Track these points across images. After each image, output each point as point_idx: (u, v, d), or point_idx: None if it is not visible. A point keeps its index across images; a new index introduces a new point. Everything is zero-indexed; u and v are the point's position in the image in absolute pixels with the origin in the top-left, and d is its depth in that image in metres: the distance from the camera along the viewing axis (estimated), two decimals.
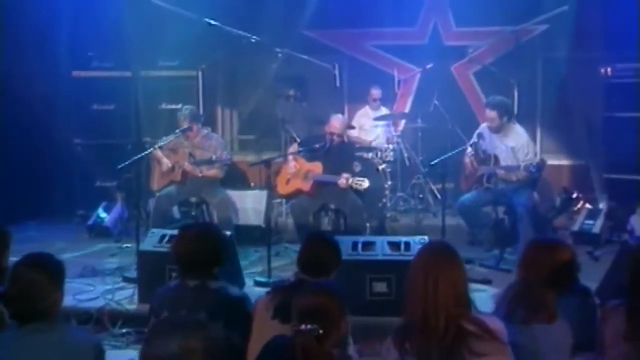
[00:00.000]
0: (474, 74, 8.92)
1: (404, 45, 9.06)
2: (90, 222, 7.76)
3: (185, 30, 7.64)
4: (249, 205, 7.48)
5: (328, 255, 3.37)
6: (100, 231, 7.69)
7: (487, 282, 5.79)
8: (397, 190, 7.98)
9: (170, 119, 7.48)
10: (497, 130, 6.46)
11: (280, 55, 7.57)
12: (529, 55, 8.73)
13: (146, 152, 6.26)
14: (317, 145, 6.46)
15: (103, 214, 7.76)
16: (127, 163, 6.04)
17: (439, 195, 7.68)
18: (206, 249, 3.33)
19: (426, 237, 5.47)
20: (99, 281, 6.08)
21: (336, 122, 6.59)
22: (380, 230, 7.25)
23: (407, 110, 8.97)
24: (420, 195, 8.03)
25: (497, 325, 2.75)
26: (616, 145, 7.48)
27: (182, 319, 2.31)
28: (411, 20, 9.00)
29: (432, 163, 6.03)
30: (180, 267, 3.35)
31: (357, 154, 7.58)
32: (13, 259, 6.19)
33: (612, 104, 7.60)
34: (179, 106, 7.41)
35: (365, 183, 6.16)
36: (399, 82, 8.34)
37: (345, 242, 5.38)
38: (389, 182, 7.77)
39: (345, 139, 6.86)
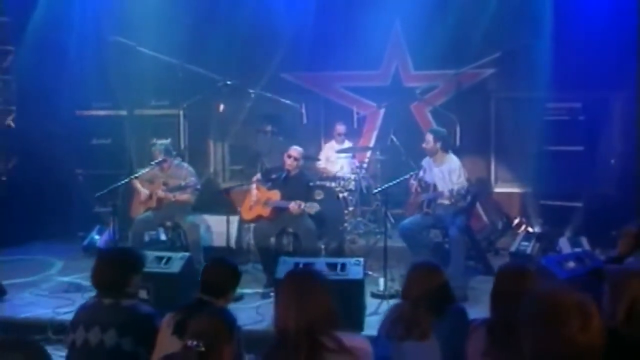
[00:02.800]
0: (431, 112, 8.88)
1: (370, 86, 9.06)
2: (85, 243, 7.75)
3: (171, 73, 7.76)
4: (231, 229, 7.42)
5: (226, 278, 3.31)
6: (94, 252, 7.57)
7: None
8: (358, 216, 7.89)
9: None
10: (431, 153, 6.44)
11: (253, 95, 7.59)
12: (484, 95, 8.73)
13: (123, 182, 6.28)
14: (274, 176, 6.46)
15: (97, 236, 7.75)
16: (104, 191, 6.07)
17: (392, 220, 7.60)
18: (120, 272, 3.29)
19: (361, 259, 5.40)
20: (79, 296, 6.04)
21: (294, 150, 6.62)
22: (339, 252, 7.16)
23: (371, 144, 8.93)
24: (377, 220, 7.95)
25: (356, 343, 2.68)
26: (550, 175, 7.43)
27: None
28: (375, 64, 8.99)
29: (375, 192, 5.98)
30: (97, 287, 3.32)
31: (321, 182, 7.56)
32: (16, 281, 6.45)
33: (547, 139, 7.62)
34: (168, 140, 7.43)
35: (315, 208, 6.11)
36: (358, 119, 8.31)
37: (288, 263, 5.35)
38: (350, 208, 7.71)
39: (303, 169, 6.84)
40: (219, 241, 7.31)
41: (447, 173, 6.27)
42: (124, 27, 7.81)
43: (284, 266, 5.28)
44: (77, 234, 8.32)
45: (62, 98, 8.42)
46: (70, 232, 8.44)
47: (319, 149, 8.81)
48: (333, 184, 7.67)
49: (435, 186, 6.36)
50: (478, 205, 8.42)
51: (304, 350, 2.53)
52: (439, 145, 6.39)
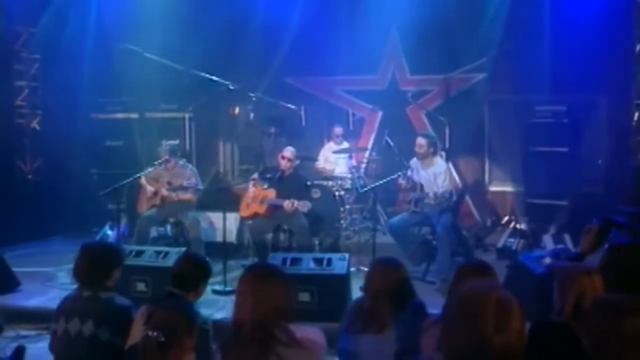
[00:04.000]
0: (426, 114, 8.79)
1: (368, 90, 9.02)
2: (97, 238, 7.78)
3: (178, 78, 7.79)
4: (231, 225, 7.40)
5: (196, 272, 3.27)
6: None
7: None
8: (353, 213, 7.83)
9: None
10: (424, 157, 6.35)
11: (254, 98, 7.58)
12: (477, 98, 8.64)
13: (127, 181, 6.31)
14: (268, 175, 6.44)
15: (109, 232, 7.77)
16: (108, 190, 6.10)
17: (385, 217, 7.54)
18: (99, 266, 3.30)
19: (346, 255, 5.36)
20: None
21: (287, 151, 6.63)
22: (334, 248, 7.12)
23: (369, 145, 8.87)
24: (372, 218, 7.86)
25: (310, 335, 2.64)
26: (538, 175, 7.33)
27: None
28: (373, 68, 8.94)
29: (364, 190, 5.93)
30: (78, 279, 3.32)
31: (318, 182, 7.52)
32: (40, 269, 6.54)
33: (533, 140, 7.53)
34: (176, 142, 7.45)
35: (307, 206, 6.08)
36: (354, 120, 8.26)
37: (277, 258, 5.34)
38: (347, 206, 7.65)
39: (298, 169, 6.81)
40: (222, 237, 7.29)
41: (432, 176, 6.20)
42: (135, 36, 7.86)
43: (274, 262, 5.25)
44: (91, 229, 8.39)
45: (80, 102, 8.53)
46: (86, 227, 8.51)
47: (321, 150, 8.77)
48: (330, 183, 7.63)
49: (422, 186, 6.30)
50: (470, 203, 8.35)
51: (256, 343, 2.50)
52: (432, 149, 6.30)
